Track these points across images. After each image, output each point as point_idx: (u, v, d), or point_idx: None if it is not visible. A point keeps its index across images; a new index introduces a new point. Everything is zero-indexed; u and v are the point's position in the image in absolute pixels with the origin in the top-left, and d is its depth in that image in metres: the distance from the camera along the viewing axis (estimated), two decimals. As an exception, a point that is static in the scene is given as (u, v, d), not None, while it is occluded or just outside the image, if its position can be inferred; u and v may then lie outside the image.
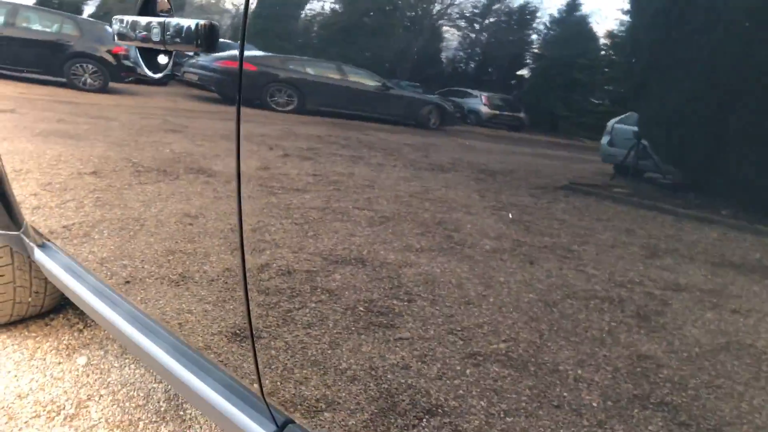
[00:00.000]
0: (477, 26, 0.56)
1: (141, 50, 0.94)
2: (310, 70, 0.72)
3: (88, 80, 1.12)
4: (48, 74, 1.25)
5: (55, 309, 2.15)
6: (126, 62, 0.99)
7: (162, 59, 0.92)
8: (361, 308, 0.76)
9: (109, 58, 1.06)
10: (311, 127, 0.72)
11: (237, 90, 0.76)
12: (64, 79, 1.17)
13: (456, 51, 0.57)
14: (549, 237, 0.54)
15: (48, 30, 1.29)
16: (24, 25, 1.37)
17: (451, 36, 0.57)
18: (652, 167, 0.47)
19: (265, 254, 0.82)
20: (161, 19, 0.83)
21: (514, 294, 0.58)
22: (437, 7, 0.59)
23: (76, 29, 1.21)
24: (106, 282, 1.33)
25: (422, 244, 0.65)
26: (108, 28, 0.98)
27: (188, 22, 0.79)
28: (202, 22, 0.78)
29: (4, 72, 1.36)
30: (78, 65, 1.13)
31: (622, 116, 0.48)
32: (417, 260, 0.66)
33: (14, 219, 1.71)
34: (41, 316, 2.13)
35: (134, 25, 0.87)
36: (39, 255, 1.60)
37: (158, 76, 0.91)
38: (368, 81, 0.66)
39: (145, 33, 0.85)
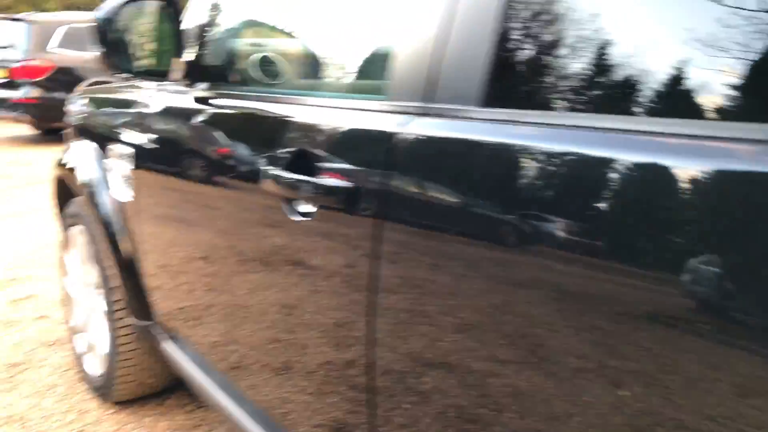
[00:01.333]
0: None
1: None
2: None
3: None
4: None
5: (167, 389, 2.31)
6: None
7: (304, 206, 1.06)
8: (452, 414, 0.84)
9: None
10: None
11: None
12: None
13: None
14: (635, 362, 0.61)
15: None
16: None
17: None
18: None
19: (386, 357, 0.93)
20: (316, 180, 0.98)
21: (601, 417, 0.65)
22: None
23: None
24: (229, 374, 1.47)
25: (508, 356, 0.74)
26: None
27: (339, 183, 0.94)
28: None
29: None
30: None
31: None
32: (503, 371, 0.75)
33: (147, 309, 1.90)
34: (156, 396, 2.29)
35: (283, 180, 1.03)
36: (167, 346, 1.76)
37: (299, 219, 1.05)
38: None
39: (294, 190, 1.00)
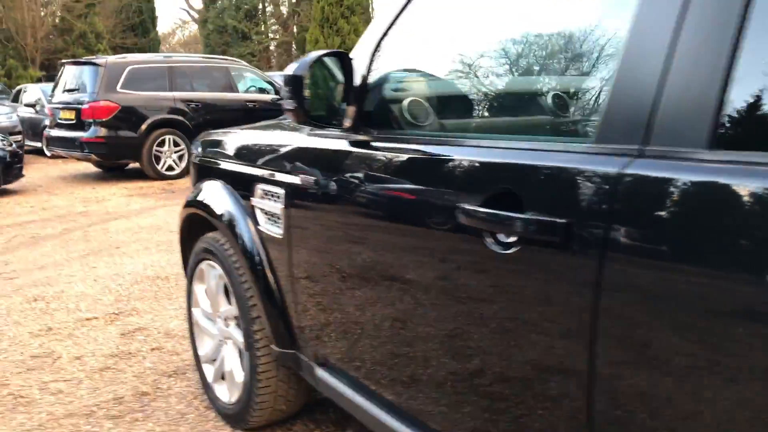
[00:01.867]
0: None
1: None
2: None
3: None
4: None
5: (294, 416, 2.42)
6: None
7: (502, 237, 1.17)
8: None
9: None
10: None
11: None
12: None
13: None
14: None
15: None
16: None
17: None
18: None
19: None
20: (523, 217, 1.08)
21: None
22: None
23: None
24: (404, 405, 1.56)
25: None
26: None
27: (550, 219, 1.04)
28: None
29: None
30: None
31: None
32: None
33: (291, 338, 2.02)
34: (283, 422, 2.40)
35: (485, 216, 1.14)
36: (320, 374, 1.87)
37: (506, 251, 1.16)
38: None
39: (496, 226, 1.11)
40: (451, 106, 1.67)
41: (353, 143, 1.61)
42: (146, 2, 30.61)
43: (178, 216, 2.70)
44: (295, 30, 36.82)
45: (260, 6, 37.29)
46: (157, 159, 9.07)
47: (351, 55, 1.59)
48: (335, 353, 1.81)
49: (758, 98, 0.90)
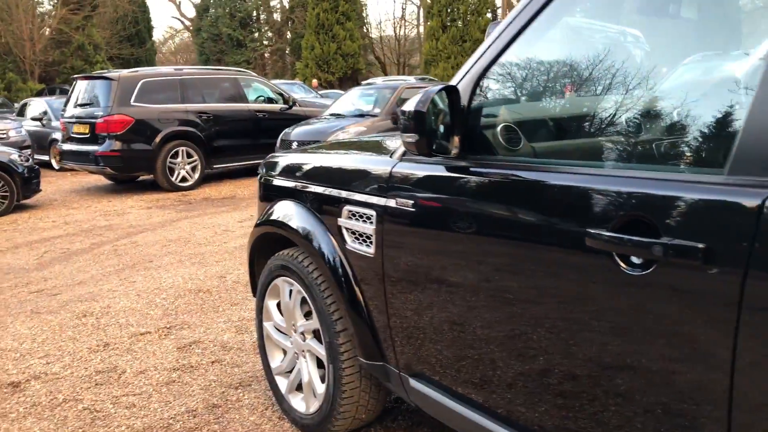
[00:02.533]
0: None
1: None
2: None
3: None
4: None
5: (368, 424, 2.52)
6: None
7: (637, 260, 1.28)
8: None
9: None
10: None
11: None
12: None
13: None
14: None
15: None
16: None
17: None
18: None
19: None
20: (661, 242, 1.20)
21: None
22: None
23: None
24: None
25: None
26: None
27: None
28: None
29: None
30: None
31: None
32: None
33: (378, 350, 2.13)
34: (358, 430, 2.51)
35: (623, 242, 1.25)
36: (414, 384, 1.98)
37: (635, 273, 1.27)
38: None
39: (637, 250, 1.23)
40: (556, 131, 1.78)
41: (457, 169, 1.72)
42: (142, 12, 30.72)
43: (247, 236, 2.80)
44: (289, 36, 37.02)
45: (254, 14, 37.48)
46: (171, 171, 9.15)
47: (458, 88, 1.70)
48: (428, 364, 1.92)
49: None
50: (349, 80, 26.83)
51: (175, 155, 9.18)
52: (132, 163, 9.04)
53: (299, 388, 2.55)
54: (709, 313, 1.17)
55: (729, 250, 1.13)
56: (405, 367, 2.04)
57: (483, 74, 1.73)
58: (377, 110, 9.33)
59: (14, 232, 6.84)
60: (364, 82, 12.57)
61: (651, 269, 1.25)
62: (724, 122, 1.26)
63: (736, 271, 1.12)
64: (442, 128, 1.68)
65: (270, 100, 10.67)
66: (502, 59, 1.73)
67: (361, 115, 9.32)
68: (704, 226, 1.17)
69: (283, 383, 2.64)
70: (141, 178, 10.04)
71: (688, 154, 1.34)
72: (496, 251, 1.62)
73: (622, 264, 1.30)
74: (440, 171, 1.78)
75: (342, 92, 14.47)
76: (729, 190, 1.15)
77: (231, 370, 3.14)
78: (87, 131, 9.04)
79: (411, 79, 13.14)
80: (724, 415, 1.18)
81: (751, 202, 1.11)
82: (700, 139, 1.31)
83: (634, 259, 1.28)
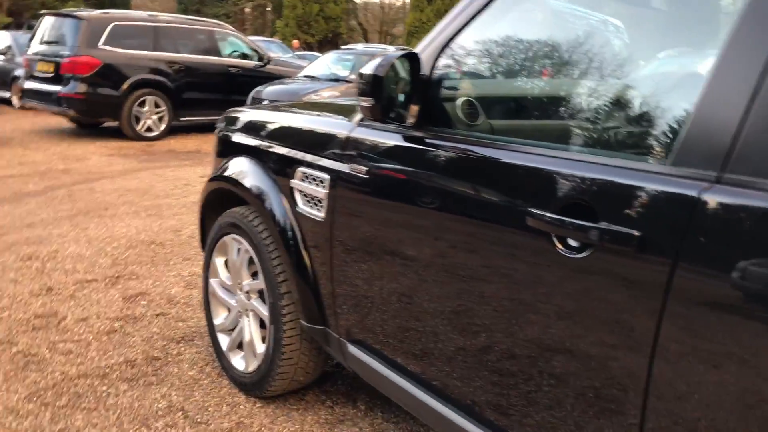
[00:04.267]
0: None
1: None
2: None
3: None
4: None
5: (305, 387, 2.52)
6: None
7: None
8: None
9: None
10: None
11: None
12: None
13: None
14: None
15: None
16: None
17: None
18: None
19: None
20: (600, 226, 1.20)
21: None
22: None
23: None
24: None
25: None
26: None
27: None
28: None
29: None
30: None
31: None
32: None
33: (322, 314, 2.12)
34: (295, 393, 2.51)
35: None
36: (352, 350, 1.98)
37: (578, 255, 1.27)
38: None
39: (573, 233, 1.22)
40: (517, 110, 1.77)
41: (413, 139, 1.70)
42: (120, -47, 29.62)
43: (200, 190, 2.74)
44: (271, -8, 36.17)
45: (237, -34, 36.50)
46: (137, 119, 8.94)
47: (420, 56, 1.67)
48: (369, 332, 1.92)
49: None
50: (329, 44, 26.41)
51: (143, 104, 8.95)
52: (96, 108, 8.80)
53: (240, 346, 2.53)
54: (637, 301, 1.18)
55: (662, 240, 1.14)
56: (345, 333, 2.03)
57: (447, 44, 1.70)
58: (353, 76, 9.21)
59: (-35, 168, 6.62)
60: (343, 47, 12.39)
61: (586, 253, 1.26)
62: (672, 115, 1.26)
63: (666, 261, 1.12)
64: (401, 96, 1.66)
65: (245, 56, 10.45)
66: (468, 32, 1.70)
67: (336, 80, 9.20)
68: (641, 214, 1.17)
69: (224, 341, 2.62)
70: (105, 124, 9.78)
71: (636, 143, 1.34)
72: (444, 226, 1.61)
73: (558, 245, 1.30)
74: (396, 140, 1.75)
75: (320, 55, 14.26)
76: (669, 181, 1.16)
77: (175, 324, 3.11)
78: (51, 70, 8.75)
79: (391, 49, 12.98)
80: (640, 401, 1.20)
81: (688, 195, 1.12)
82: (649, 130, 1.31)
83: (572, 242, 1.28)
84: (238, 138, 2.52)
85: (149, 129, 9.09)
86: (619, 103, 1.43)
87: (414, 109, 1.66)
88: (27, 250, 4.09)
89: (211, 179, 2.60)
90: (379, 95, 1.58)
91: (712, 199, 1.07)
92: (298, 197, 2.12)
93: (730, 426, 1.06)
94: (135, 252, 4.15)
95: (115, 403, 2.42)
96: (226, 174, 2.48)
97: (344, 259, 1.95)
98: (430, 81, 1.69)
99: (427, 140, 1.66)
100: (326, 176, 1.97)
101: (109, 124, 9.57)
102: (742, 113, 1.08)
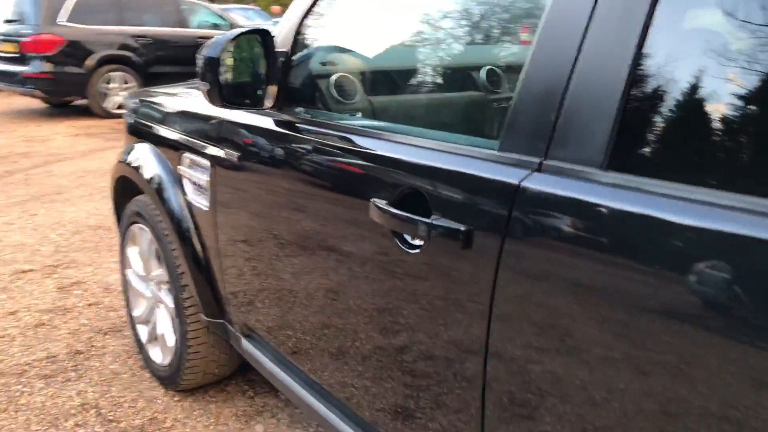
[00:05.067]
0: None
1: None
2: None
3: None
4: None
5: (228, 377, 2.44)
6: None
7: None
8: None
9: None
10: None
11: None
12: None
13: None
14: None
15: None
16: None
17: None
18: None
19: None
20: (428, 221, 1.08)
21: None
22: None
23: None
24: (314, 375, 1.60)
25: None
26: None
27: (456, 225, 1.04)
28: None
29: None
30: None
31: None
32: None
33: (218, 308, 2.02)
34: (217, 384, 2.43)
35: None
36: (246, 345, 1.89)
37: (407, 250, 1.16)
38: None
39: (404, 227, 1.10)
40: (371, 89, 1.64)
41: (275, 122, 1.57)
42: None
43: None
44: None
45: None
46: (105, 97, 8.76)
47: (273, 33, 1.53)
48: (258, 325, 1.82)
49: (654, 120, 0.90)
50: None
51: (110, 80, 8.76)
52: (63, 87, 8.61)
53: (158, 339, 2.45)
54: (468, 303, 1.07)
55: (486, 234, 1.02)
56: (240, 327, 1.94)
57: (308, 14, 1.56)
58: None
59: (-75, 155, 6.49)
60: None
61: (419, 249, 1.14)
62: (503, 94, 1.13)
63: (490, 258, 1.01)
64: (254, 76, 1.52)
65: (215, 26, 10.19)
66: (321, 5, 1.56)
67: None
68: (468, 206, 1.06)
69: (143, 332, 2.53)
70: (76, 102, 9.60)
71: (473, 124, 1.22)
72: (305, 215, 1.50)
73: (397, 241, 1.19)
74: (258, 123, 1.63)
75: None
76: (493, 168, 1.04)
77: (106, 314, 3.02)
78: (15, 50, 8.53)
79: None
80: (479, 401, 1.10)
81: (508, 183, 1.00)
82: (485, 110, 1.19)
83: (407, 237, 1.17)
84: (140, 120, 2.40)
85: (120, 106, 8.90)
86: (465, 81, 1.31)
87: (272, 89, 1.53)
88: (-31, 240, 4.00)
89: (118, 162, 2.48)
90: (214, 79, 1.45)
91: (529, 188, 0.96)
92: (186, 185, 2.01)
93: (563, 412, 0.96)
94: (80, 237, 4.05)
95: (27, 403, 2.34)
96: (126, 159, 2.36)
97: (229, 251, 1.85)
98: (291, 58, 1.56)
99: (280, 124, 1.54)
100: (207, 162, 1.85)
101: (80, 102, 9.39)
102: (562, 92, 0.95)
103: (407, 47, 1.57)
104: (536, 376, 0.98)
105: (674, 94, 0.88)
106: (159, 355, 2.42)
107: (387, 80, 1.68)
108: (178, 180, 2.07)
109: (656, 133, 0.91)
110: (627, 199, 0.86)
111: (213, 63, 1.43)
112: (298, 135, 1.50)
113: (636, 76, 0.89)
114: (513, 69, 1.21)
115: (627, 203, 0.85)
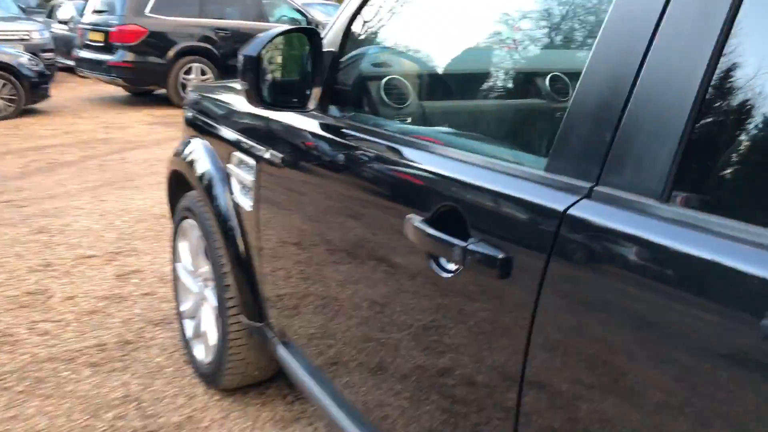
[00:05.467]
0: None
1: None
2: None
3: None
4: None
5: (269, 379, 2.40)
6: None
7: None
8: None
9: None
10: None
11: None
12: None
13: None
14: None
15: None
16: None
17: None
18: None
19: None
20: (462, 244, 0.97)
21: None
22: None
23: None
24: (345, 392, 1.51)
25: None
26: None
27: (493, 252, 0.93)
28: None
29: None
30: None
31: None
32: None
33: (259, 311, 1.97)
34: (257, 385, 2.39)
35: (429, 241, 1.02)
36: (280, 351, 1.83)
37: (442, 274, 1.05)
38: None
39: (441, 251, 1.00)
40: (423, 93, 1.54)
41: (320, 125, 1.50)
42: None
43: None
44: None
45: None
46: (184, 87, 8.98)
47: (322, 34, 1.45)
48: (294, 332, 1.76)
49: (730, 147, 0.77)
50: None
51: (189, 71, 8.99)
52: (144, 76, 8.89)
53: (201, 336, 2.43)
54: (502, 335, 0.96)
55: (526, 265, 0.91)
56: (279, 332, 1.88)
57: (358, 13, 1.47)
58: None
59: (13, 137, 6.82)
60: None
61: (454, 273, 1.04)
62: (559, 105, 1.01)
63: (528, 291, 0.90)
64: (299, 76, 1.45)
65: (294, 21, 10.30)
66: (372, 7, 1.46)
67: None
68: (508, 231, 0.94)
69: (189, 327, 2.52)
70: (157, 91, 9.90)
71: (523, 138, 1.10)
72: (345, 224, 1.41)
73: (433, 262, 1.08)
74: (302, 123, 1.55)
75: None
76: (537, 190, 0.92)
77: (159, 305, 3.05)
78: (102, 39, 8.89)
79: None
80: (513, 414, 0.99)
81: (553, 209, 0.88)
82: (537, 122, 1.07)
83: (443, 260, 1.07)
84: (196, 115, 2.38)
85: (196, 97, 9.12)
86: (514, 96, 1.19)
87: (317, 91, 1.45)
88: (41, 222, 4.14)
89: (174, 155, 2.47)
90: (253, 78, 1.38)
91: (576, 216, 0.84)
92: (234, 184, 1.96)
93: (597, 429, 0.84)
94: (144, 226, 4.12)
95: (73, 390, 2.37)
96: (180, 154, 2.34)
97: (270, 253, 1.79)
98: (339, 59, 1.47)
99: (324, 127, 1.46)
100: (253, 162, 1.80)
101: (161, 91, 9.67)
102: (618, 113, 0.82)
103: (464, 50, 1.46)
104: (570, 413, 0.86)
105: (757, 116, 0.74)
106: (202, 352, 2.40)
107: (440, 85, 1.57)
108: (227, 178, 2.03)
109: (731, 162, 0.77)
110: (689, 239, 0.73)
111: (252, 62, 1.36)
112: (341, 140, 1.41)
113: (710, 90, 0.75)
114: (576, 77, 1.08)
115: (689, 244, 0.72)
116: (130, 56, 8.63)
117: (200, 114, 2.34)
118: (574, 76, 0.94)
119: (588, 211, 0.84)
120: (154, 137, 7.03)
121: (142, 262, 3.55)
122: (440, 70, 1.55)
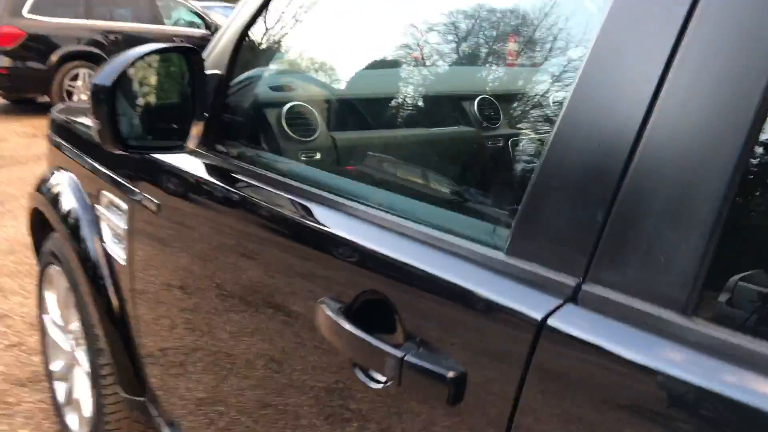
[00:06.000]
0: None
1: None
2: None
3: None
4: None
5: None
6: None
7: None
8: None
9: None
10: None
11: None
12: None
13: None
14: None
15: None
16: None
17: None
18: None
19: None
20: (399, 354, 0.70)
21: None
22: None
23: None
24: None
25: None
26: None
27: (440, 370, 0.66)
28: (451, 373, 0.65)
29: None
30: None
31: None
32: None
33: (139, 382, 1.63)
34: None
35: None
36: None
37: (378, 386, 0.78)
38: None
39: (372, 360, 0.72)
40: (334, 122, 1.26)
41: (203, 166, 1.19)
42: None
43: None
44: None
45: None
46: (70, 95, 8.27)
47: (203, 54, 1.15)
48: (181, 414, 1.43)
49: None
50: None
51: (76, 77, 8.28)
52: (22, 83, 8.10)
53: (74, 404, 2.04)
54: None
55: (486, 389, 0.65)
56: (162, 410, 1.55)
57: (248, 28, 1.17)
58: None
59: None
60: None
61: (384, 385, 0.77)
62: (523, 158, 0.76)
63: (489, 424, 0.64)
64: (173, 108, 1.14)
65: (191, 25, 9.75)
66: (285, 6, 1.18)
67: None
68: (460, 340, 0.68)
69: (61, 391, 2.12)
70: (40, 99, 9.07)
71: (474, 200, 0.84)
72: (241, 309, 1.11)
73: (357, 369, 0.81)
74: (181, 163, 1.24)
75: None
76: (498, 284, 0.66)
77: (28, 358, 2.60)
78: (-27, 43, 8.03)
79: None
80: None
81: (527, 317, 0.62)
82: (494, 178, 0.82)
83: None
84: (60, 141, 1.99)
85: (84, 105, 8.42)
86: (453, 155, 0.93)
87: (198, 127, 1.14)
88: None
89: (36, 189, 2.07)
90: (107, 115, 1.05)
91: (560, 325, 0.59)
92: (105, 230, 1.61)
93: None
94: (13, 259, 3.61)
95: None
96: (41, 187, 1.96)
97: (146, 316, 1.46)
98: (227, 83, 1.17)
99: (208, 170, 1.16)
100: (125, 206, 1.46)
101: (45, 99, 8.87)
102: (617, 178, 0.58)
103: (390, 69, 1.20)
104: None
105: None
106: (75, 422, 2.02)
107: (357, 112, 1.30)
108: (96, 221, 1.67)
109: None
110: (731, 377, 0.49)
111: (106, 92, 1.03)
112: (229, 188, 1.11)
113: (754, 153, 0.52)
114: (551, 119, 0.84)
115: (732, 386, 0.49)
116: (6, 61, 7.82)
117: (66, 141, 1.96)
118: (549, 117, 0.69)
119: (576, 325, 0.59)
120: (34, 152, 6.35)
121: (10, 304, 3.06)
122: (358, 93, 1.28)
